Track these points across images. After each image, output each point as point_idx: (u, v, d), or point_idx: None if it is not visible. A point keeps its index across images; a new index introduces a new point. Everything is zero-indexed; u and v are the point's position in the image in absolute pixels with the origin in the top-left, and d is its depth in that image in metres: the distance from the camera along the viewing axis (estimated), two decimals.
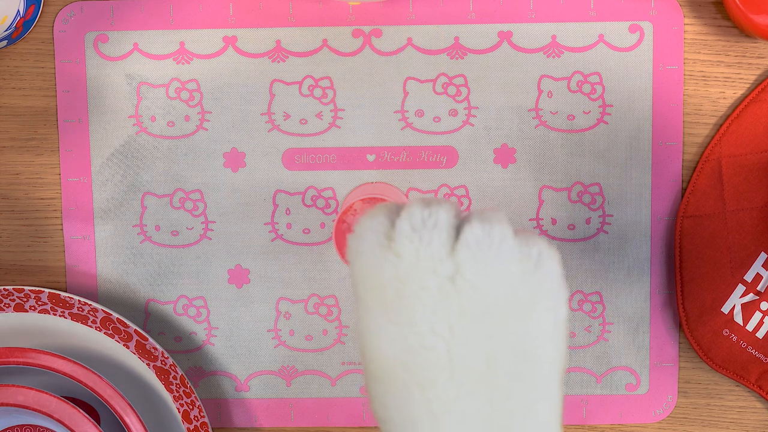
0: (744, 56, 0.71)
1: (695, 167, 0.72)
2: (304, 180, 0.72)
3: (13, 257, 0.74)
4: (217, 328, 0.74)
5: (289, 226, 0.73)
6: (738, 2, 0.67)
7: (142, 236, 0.73)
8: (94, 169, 0.73)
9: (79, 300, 0.71)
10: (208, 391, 0.74)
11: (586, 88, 0.72)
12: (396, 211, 0.49)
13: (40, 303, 0.71)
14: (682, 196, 0.72)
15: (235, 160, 0.72)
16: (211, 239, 0.73)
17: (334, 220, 0.70)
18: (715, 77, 0.71)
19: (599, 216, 0.73)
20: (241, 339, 0.74)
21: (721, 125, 0.72)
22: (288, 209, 0.73)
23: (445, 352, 0.46)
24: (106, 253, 0.74)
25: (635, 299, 0.73)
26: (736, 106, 0.72)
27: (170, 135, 0.72)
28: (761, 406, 0.74)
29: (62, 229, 0.73)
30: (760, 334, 0.72)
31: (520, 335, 0.46)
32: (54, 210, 0.73)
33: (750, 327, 0.72)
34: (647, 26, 0.71)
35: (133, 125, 0.73)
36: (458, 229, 0.47)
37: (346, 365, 0.74)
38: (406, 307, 0.46)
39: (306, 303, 0.74)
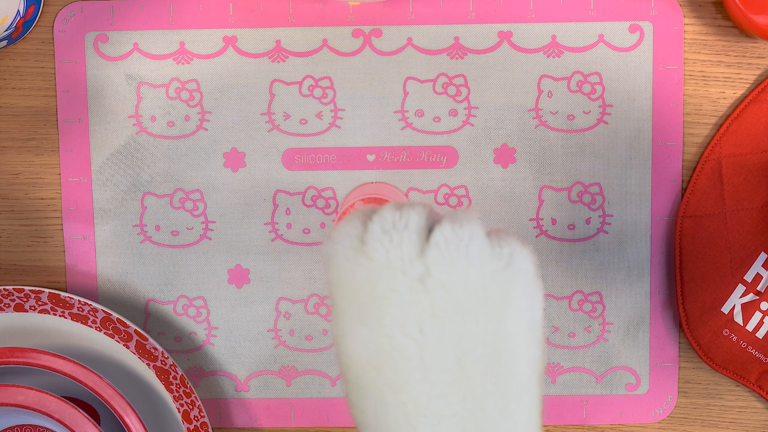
0: (744, 56, 0.71)
1: (695, 167, 0.72)
2: (304, 180, 0.72)
3: (13, 257, 0.74)
4: (217, 328, 0.74)
5: (289, 226, 0.73)
6: (738, 2, 0.67)
7: (142, 236, 0.73)
8: (94, 169, 0.73)
9: (79, 300, 0.71)
10: (208, 391, 0.74)
11: (586, 88, 0.72)
12: (371, 215, 0.49)
13: (40, 303, 0.71)
14: (682, 196, 0.72)
15: (235, 160, 0.72)
16: (211, 239, 0.73)
17: (334, 220, 0.70)
18: (715, 77, 0.71)
19: (599, 216, 0.73)
20: (241, 339, 0.74)
21: (721, 125, 0.72)
22: (288, 209, 0.73)
23: (416, 353, 0.46)
24: (106, 253, 0.74)
25: (635, 299, 0.73)
26: (736, 106, 0.72)
27: (170, 135, 0.72)
28: (761, 406, 0.74)
29: (62, 229, 0.73)
30: (760, 334, 0.72)
31: (493, 335, 0.46)
32: (54, 210, 0.73)
33: (750, 327, 0.72)
34: (647, 26, 0.71)
35: (133, 125, 0.72)
36: (430, 231, 0.47)
37: None
38: (377, 309, 0.46)
39: (306, 303, 0.74)
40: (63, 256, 0.73)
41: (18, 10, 0.67)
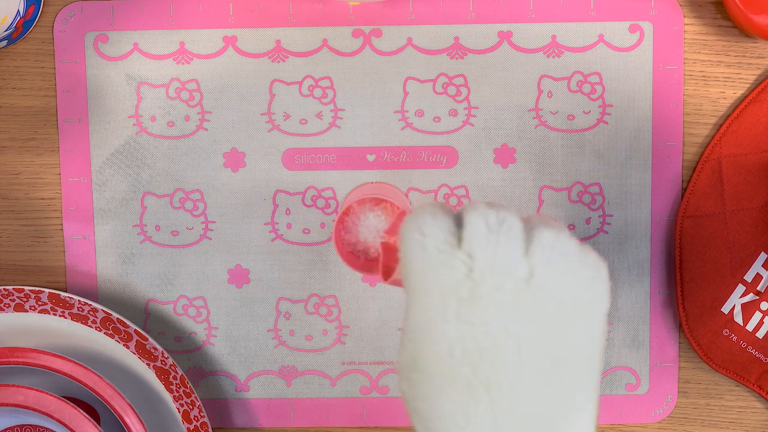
0: (744, 56, 0.71)
1: (695, 167, 0.72)
2: (304, 180, 0.72)
3: (13, 257, 0.74)
4: (217, 328, 0.74)
5: (289, 226, 0.73)
6: (738, 2, 0.67)
7: (142, 236, 0.73)
8: (94, 169, 0.73)
9: (79, 300, 0.71)
10: (208, 391, 0.74)
11: (586, 88, 0.72)
12: (446, 211, 0.50)
13: (40, 303, 0.71)
14: (682, 196, 0.72)
15: (235, 160, 0.72)
16: (211, 239, 0.73)
17: (334, 221, 0.70)
18: (715, 77, 0.71)
19: (599, 216, 0.72)
20: (241, 339, 0.74)
21: (721, 125, 0.72)
22: (288, 209, 0.73)
23: (516, 352, 0.47)
24: (106, 253, 0.74)
25: (635, 299, 0.73)
26: (736, 106, 0.71)
27: (170, 135, 0.72)
28: (761, 406, 0.74)
29: (62, 229, 0.73)
30: (760, 334, 0.72)
31: (585, 340, 0.48)
32: (54, 210, 0.73)
33: (750, 327, 0.72)
34: (647, 26, 0.71)
35: (133, 125, 0.72)
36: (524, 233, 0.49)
37: (346, 365, 0.74)
38: (479, 307, 0.47)
39: (306, 303, 0.74)
40: (63, 256, 0.73)
41: (18, 10, 0.67)
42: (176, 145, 0.73)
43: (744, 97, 0.72)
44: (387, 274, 0.61)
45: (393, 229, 0.61)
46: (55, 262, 0.74)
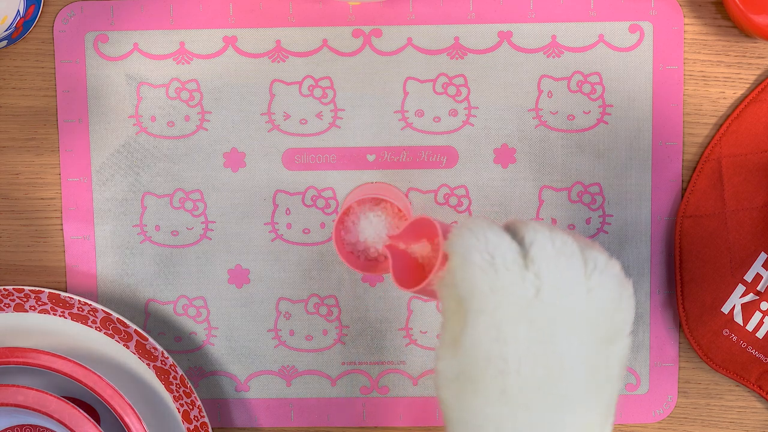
0: (744, 56, 0.71)
1: (695, 167, 0.72)
2: (304, 180, 0.72)
3: (13, 257, 0.74)
4: (217, 328, 0.74)
5: (289, 226, 0.73)
6: (738, 2, 0.67)
7: (142, 236, 0.73)
8: (94, 169, 0.73)
9: (79, 300, 0.71)
10: (208, 391, 0.74)
11: (586, 88, 0.72)
12: (501, 229, 0.54)
13: (40, 303, 0.71)
14: (682, 196, 0.72)
15: (235, 160, 0.72)
16: (211, 239, 0.73)
17: (334, 220, 0.70)
18: (715, 77, 0.71)
19: (599, 216, 0.73)
20: (241, 339, 0.74)
21: (721, 125, 0.72)
22: (288, 209, 0.73)
23: (580, 363, 0.51)
24: (106, 253, 0.74)
25: (635, 299, 0.73)
26: (736, 106, 0.72)
27: (170, 135, 0.73)
28: (761, 406, 0.74)
29: (62, 229, 0.73)
30: (760, 334, 0.72)
31: (617, 355, 0.53)
32: (54, 210, 0.73)
33: (750, 327, 0.72)
34: (647, 26, 0.71)
35: (133, 125, 0.73)
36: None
37: (346, 365, 0.75)
38: (548, 327, 0.51)
39: (306, 303, 0.74)
40: (63, 256, 0.74)
41: (18, 10, 0.67)
42: (176, 145, 0.73)
43: (744, 97, 0.72)
44: (401, 281, 0.61)
45: (401, 235, 0.62)
46: (56, 262, 0.74)
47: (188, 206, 0.73)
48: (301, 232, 0.73)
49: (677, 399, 0.74)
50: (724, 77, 0.72)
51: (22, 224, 0.74)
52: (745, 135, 0.72)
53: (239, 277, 0.74)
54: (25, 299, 0.71)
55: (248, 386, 0.75)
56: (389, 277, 0.73)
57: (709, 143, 0.72)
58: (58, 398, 0.67)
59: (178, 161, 0.73)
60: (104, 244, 0.74)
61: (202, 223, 0.73)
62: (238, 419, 0.75)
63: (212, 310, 0.74)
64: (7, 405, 0.67)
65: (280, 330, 0.74)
